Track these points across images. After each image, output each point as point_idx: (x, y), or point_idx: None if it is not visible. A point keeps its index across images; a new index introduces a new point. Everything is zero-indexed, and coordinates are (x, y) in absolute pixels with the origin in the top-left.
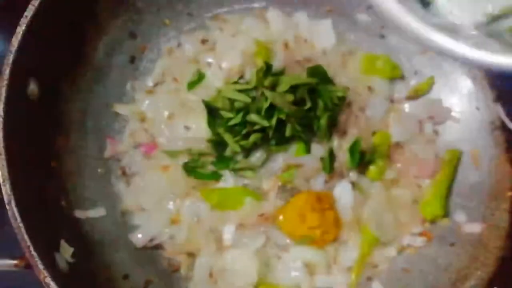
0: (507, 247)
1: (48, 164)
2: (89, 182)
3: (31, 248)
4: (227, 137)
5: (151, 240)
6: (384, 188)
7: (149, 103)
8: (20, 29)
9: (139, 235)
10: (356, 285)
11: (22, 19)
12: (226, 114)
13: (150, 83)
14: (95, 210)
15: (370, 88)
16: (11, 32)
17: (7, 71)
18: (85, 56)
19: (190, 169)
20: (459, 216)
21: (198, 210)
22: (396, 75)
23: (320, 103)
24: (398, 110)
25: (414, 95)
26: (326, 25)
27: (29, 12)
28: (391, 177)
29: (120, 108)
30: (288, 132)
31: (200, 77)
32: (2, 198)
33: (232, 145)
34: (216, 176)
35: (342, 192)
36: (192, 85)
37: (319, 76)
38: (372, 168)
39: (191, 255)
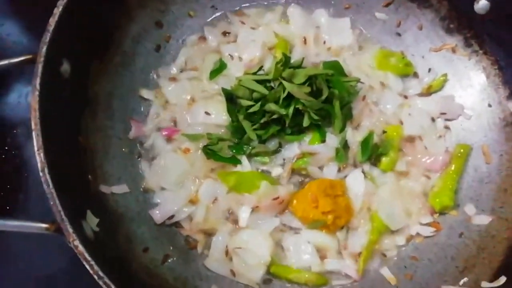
0: None
1: (76, 140)
2: (114, 160)
3: (62, 213)
4: (246, 125)
5: (170, 217)
6: (395, 178)
7: (172, 89)
8: (57, 11)
9: (159, 212)
10: (364, 270)
11: (59, 1)
12: (246, 102)
13: (173, 71)
14: (119, 186)
15: (383, 84)
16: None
17: (43, 48)
18: (114, 42)
19: (210, 152)
20: (469, 208)
21: (215, 192)
22: (408, 72)
23: (335, 93)
24: (411, 106)
25: (427, 92)
26: (345, 23)
27: None
28: (402, 169)
29: (145, 93)
30: (305, 122)
31: (221, 67)
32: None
33: (250, 133)
34: (234, 160)
35: (354, 180)
36: (213, 74)
37: (335, 70)
38: (384, 160)
39: (208, 234)
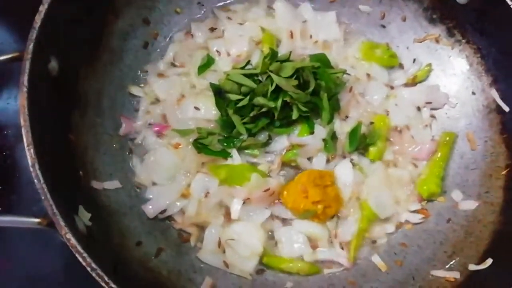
0: (501, 222)
1: (67, 137)
2: (105, 157)
3: (53, 207)
4: (235, 119)
5: (162, 212)
6: (383, 167)
7: (161, 85)
8: (43, 8)
9: (151, 207)
10: (355, 258)
11: None
12: (234, 97)
13: (162, 67)
14: (111, 182)
15: (369, 75)
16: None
17: (30, 46)
18: (102, 40)
19: (200, 145)
20: (455, 194)
21: (207, 185)
22: (393, 64)
23: (322, 84)
24: (397, 96)
25: (413, 82)
26: (331, 17)
27: None
28: (389, 158)
29: (134, 90)
30: (294, 115)
31: (209, 62)
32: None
33: (239, 127)
34: (225, 154)
35: (343, 170)
36: (201, 69)
37: (322, 62)
38: (371, 149)
39: (200, 227)
